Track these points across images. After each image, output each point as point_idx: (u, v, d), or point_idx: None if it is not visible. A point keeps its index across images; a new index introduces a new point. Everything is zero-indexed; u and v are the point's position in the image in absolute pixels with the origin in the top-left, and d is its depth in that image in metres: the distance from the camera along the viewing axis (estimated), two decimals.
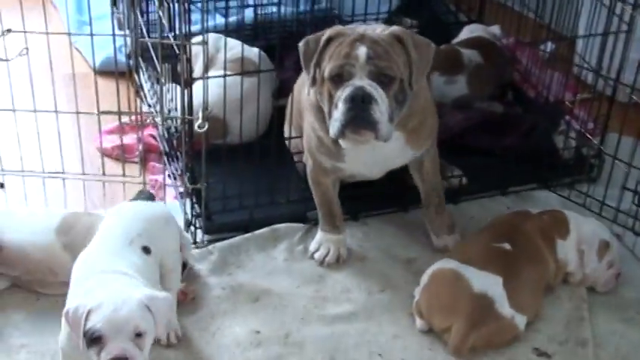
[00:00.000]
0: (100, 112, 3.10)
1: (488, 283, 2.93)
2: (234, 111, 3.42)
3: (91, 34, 3.01)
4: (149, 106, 3.81)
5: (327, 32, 2.90)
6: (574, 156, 3.69)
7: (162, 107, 3.19)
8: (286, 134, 3.51)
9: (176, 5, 3.04)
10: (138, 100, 3.93)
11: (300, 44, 2.94)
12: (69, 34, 3.04)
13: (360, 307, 3.11)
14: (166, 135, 3.57)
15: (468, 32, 4.34)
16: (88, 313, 2.39)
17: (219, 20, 4.33)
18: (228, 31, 4.15)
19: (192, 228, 3.31)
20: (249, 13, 4.35)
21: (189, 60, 3.10)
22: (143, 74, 3.94)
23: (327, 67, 2.86)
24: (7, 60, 2.96)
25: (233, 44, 3.78)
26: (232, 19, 4.36)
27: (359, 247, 3.36)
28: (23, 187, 3.35)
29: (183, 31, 3.00)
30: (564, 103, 3.81)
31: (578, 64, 3.64)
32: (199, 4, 4.21)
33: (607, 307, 3.16)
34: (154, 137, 3.75)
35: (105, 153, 3.66)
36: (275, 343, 2.94)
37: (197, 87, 3.16)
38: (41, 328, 2.89)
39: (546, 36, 3.88)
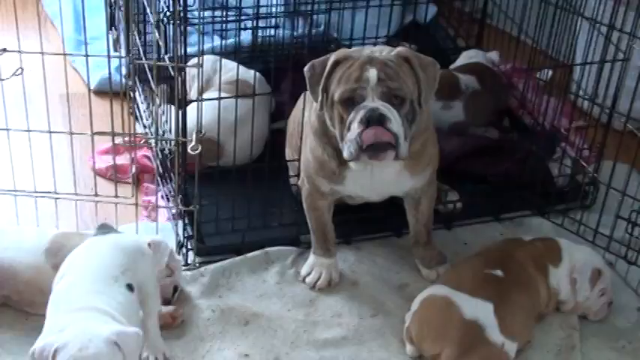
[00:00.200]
0: (94, 133, 3.10)
1: (479, 309, 2.92)
2: (230, 133, 3.43)
3: (86, 55, 3.02)
4: (145, 126, 3.82)
5: (334, 56, 2.90)
6: (569, 183, 3.68)
7: (156, 129, 3.19)
8: (287, 156, 3.51)
9: (171, 27, 3.04)
10: (134, 121, 3.95)
11: (306, 69, 2.94)
12: (64, 54, 3.04)
13: (351, 331, 3.10)
14: (160, 156, 3.57)
15: (466, 58, 4.34)
16: (55, 352, 2.33)
17: (218, 42, 4.33)
18: (226, 53, 4.17)
19: (183, 250, 3.30)
20: (247, 36, 4.35)
21: (184, 82, 3.11)
22: (139, 95, 3.95)
23: (338, 91, 2.86)
24: (1, 80, 2.96)
25: (230, 66, 3.80)
26: (230, 41, 4.37)
27: (351, 272, 3.35)
28: (15, 206, 3.34)
29: (179, 53, 2.99)
30: (560, 130, 3.80)
31: (574, 91, 3.64)
32: (201, 26, 4.29)
33: (598, 335, 3.15)
34: (148, 158, 3.75)
35: (99, 173, 3.67)
36: None
37: (192, 109, 3.17)
38: (28, 348, 2.85)
39: (543, 63, 3.87)
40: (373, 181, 3.07)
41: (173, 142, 3.15)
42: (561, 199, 3.65)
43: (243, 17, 4.33)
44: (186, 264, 3.29)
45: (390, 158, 2.86)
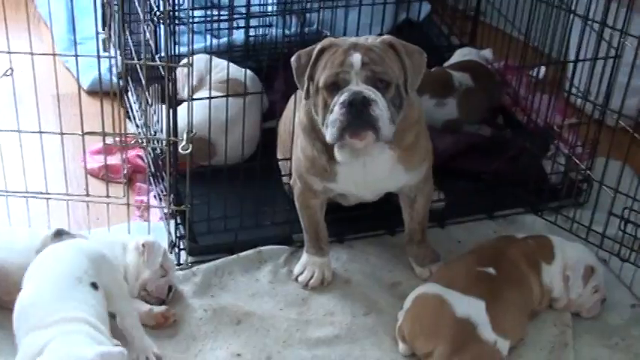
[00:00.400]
0: (85, 133, 3.09)
1: (471, 307, 2.92)
2: (222, 132, 3.42)
3: (76, 55, 3.01)
4: (137, 126, 3.81)
5: (319, 44, 2.91)
6: (562, 180, 3.68)
7: (147, 128, 3.18)
8: (278, 156, 3.51)
9: (162, 27, 3.03)
10: (127, 121, 3.95)
11: (293, 59, 2.95)
12: (53, 54, 3.04)
13: (344, 330, 3.09)
14: (152, 156, 3.56)
15: (459, 56, 4.34)
16: None
17: (212, 41, 4.32)
18: (219, 52, 4.16)
19: (176, 249, 3.30)
20: (240, 35, 4.35)
21: (174, 82, 3.11)
22: (132, 95, 3.95)
23: (322, 77, 2.85)
24: None
25: (223, 65, 3.79)
26: (223, 40, 4.36)
27: (344, 270, 3.34)
28: (6, 207, 3.34)
29: (169, 52, 2.99)
30: (553, 127, 3.80)
31: (567, 88, 3.63)
32: (194, 25, 4.29)
33: (591, 332, 3.15)
34: (141, 158, 3.75)
35: (92, 173, 3.67)
36: None
37: (183, 108, 3.16)
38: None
39: (536, 60, 3.87)
40: (366, 177, 3.06)
41: (164, 142, 3.15)
42: (555, 197, 3.64)
43: (235, 16, 4.32)
44: (179, 263, 3.29)
45: (371, 139, 2.84)
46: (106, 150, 3.53)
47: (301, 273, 3.28)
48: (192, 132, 3.05)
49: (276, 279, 3.29)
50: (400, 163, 3.05)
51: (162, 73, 3.05)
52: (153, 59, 3.18)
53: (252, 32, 4.28)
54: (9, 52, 2.94)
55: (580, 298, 3.16)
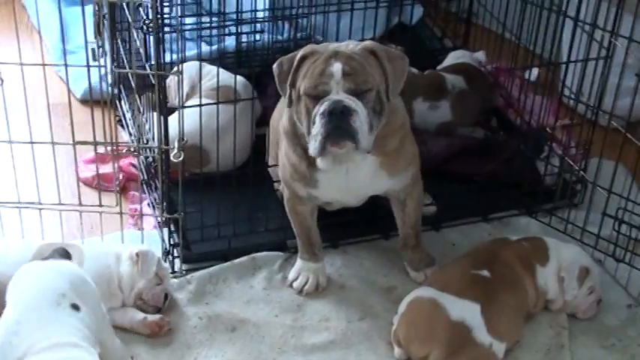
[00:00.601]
0: (76, 143, 3.09)
1: (465, 310, 2.91)
2: (215, 140, 3.42)
3: (65, 65, 3.01)
4: (131, 134, 3.81)
5: (301, 51, 2.90)
6: (556, 182, 3.67)
7: (139, 137, 3.18)
8: (268, 162, 3.50)
9: (151, 35, 3.03)
10: (119, 129, 3.95)
11: (275, 66, 2.95)
12: (43, 64, 3.04)
13: (339, 335, 3.09)
14: (145, 164, 3.56)
15: (453, 58, 4.34)
16: None
17: (203, 48, 4.32)
18: (211, 59, 4.16)
19: (170, 257, 3.29)
20: (232, 41, 4.35)
21: (164, 90, 3.10)
22: (125, 103, 3.95)
23: (303, 85, 2.85)
24: None
25: (215, 72, 3.79)
26: (216, 47, 4.36)
27: (338, 275, 3.34)
28: None
29: (159, 61, 2.99)
30: (546, 128, 3.79)
31: (560, 89, 3.63)
32: (186, 33, 4.29)
33: (588, 333, 3.14)
34: (134, 166, 3.75)
35: (85, 182, 3.67)
36: None
37: (175, 117, 3.16)
38: None
39: (528, 62, 3.86)
40: (348, 183, 3.05)
41: (156, 150, 3.14)
42: (549, 198, 3.64)
43: (228, 23, 4.32)
44: (173, 271, 3.29)
45: (350, 148, 2.84)
46: (100, 159, 3.54)
47: (296, 279, 3.27)
48: (183, 140, 3.04)
49: (270, 285, 3.28)
50: (383, 168, 3.04)
51: (153, 82, 3.05)
52: (144, 67, 3.18)
53: (244, 38, 4.28)
54: None
55: (575, 299, 3.15)
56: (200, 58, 4.02)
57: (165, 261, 3.26)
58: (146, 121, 3.47)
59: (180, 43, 3.35)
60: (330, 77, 2.81)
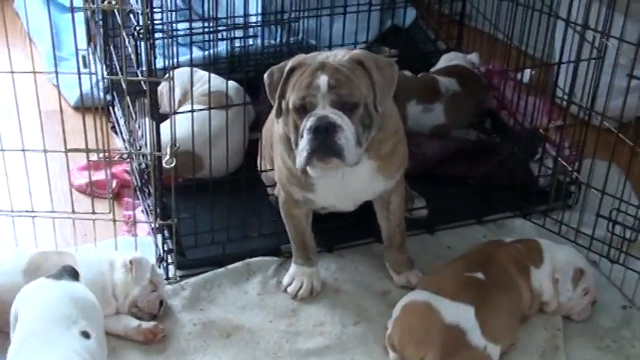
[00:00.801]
0: (68, 150, 3.09)
1: (460, 313, 2.91)
2: (208, 146, 3.42)
3: (56, 72, 3.01)
4: (124, 141, 3.81)
5: (290, 62, 2.90)
6: (550, 183, 3.66)
7: (131, 143, 3.18)
8: (260, 167, 3.50)
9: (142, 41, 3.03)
10: (113, 135, 3.96)
11: (265, 75, 2.95)
12: (33, 72, 3.03)
13: (334, 340, 3.09)
14: (138, 170, 3.56)
15: (446, 60, 4.34)
16: None
17: (197, 53, 4.32)
18: (204, 64, 4.16)
19: (164, 264, 3.29)
20: (225, 46, 4.34)
21: (156, 96, 3.10)
22: (118, 109, 3.95)
23: (291, 99, 2.86)
24: None
25: (207, 78, 3.78)
26: (208, 52, 4.36)
27: (333, 280, 3.34)
28: None
29: (150, 67, 2.98)
30: (539, 130, 3.79)
31: (553, 90, 3.63)
32: (178, 38, 4.29)
33: (582, 335, 3.14)
34: (128, 172, 3.75)
35: (79, 189, 3.67)
36: None
37: (168, 123, 3.16)
38: None
39: (520, 63, 3.85)
40: (345, 187, 3.05)
41: (149, 157, 3.14)
42: (543, 200, 3.64)
43: (220, 28, 4.32)
44: (167, 278, 3.28)
45: (337, 163, 2.85)
46: (93, 165, 3.53)
47: (290, 284, 3.27)
48: (175, 146, 3.04)
49: (265, 290, 3.28)
50: (379, 172, 3.04)
51: (145, 88, 3.05)
52: (135, 74, 3.17)
53: (236, 43, 4.27)
54: None
55: (570, 301, 3.15)
56: (196, 63, 4.02)
57: (159, 267, 3.26)
58: (139, 127, 3.47)
59: (171, 48, 3.35)
60: (317, 90, 2.81)
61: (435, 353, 2.85)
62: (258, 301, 3.24)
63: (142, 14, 2.87)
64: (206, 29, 4.27)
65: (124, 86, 3.39)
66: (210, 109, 3.31)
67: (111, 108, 4.03)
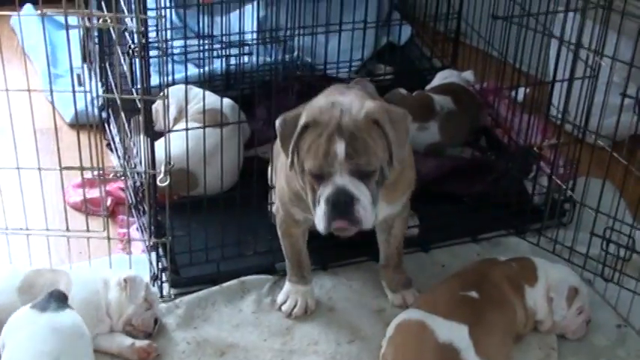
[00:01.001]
0: (62, 168, 3.09)
1: (453, 332, 2.90)
2: (203, 163, 3.42)
3: (51, 90, 3.01)
4: (119, 158, 3.82)
5: (303, 117, 2.80)
6: (545, 201, 3.67)
7: (126, 161, 3.18)
8: (270, 182, 3.48)
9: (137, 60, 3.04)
10: (108, 153, 3.96)
11: (278, 123, 2.86)
12: (28, 90, 3.04)
13: (328, 359, 3.08)
14: (133, 188, 3.56)
15: (441, 78, 4.35)
16: None
17: (193, 71, 4.33)
18: (200, 81, 4.17)
19: (158, 282, 3.29)
20: (220, 64, 4.36)
21: (150, 114, 3.11)
22: (114, 127, 3.95)
23: (307, 163, 2.79)
24: None
25: (202, 95, 3.79)
26: (203, 69, 4.37)
27: (328, 298, 3.33)
28: None
29: (144, 85, 2.99)
30: (533, 148, 3.80)
31: (547, 108, 3.64)
32: (174, 56, 4.30)
33: (577, 354, 3.14)
34: (123, 190, 3.74)
35: (74, 207, 3.66)
36: None
37: (163, 141, 3.16)
38: None
39: (514, 80, 3.86)
40: None
41: (143, 175, 3.14)
42: (538, 218, 3.64)
43: (216, 45, 4.33)
44: (162, 296, 3.28)
45: (354, 229, 2.85)
46: (89, 183, 3.53)
47: (284, 302, 3.26)
48: (170, 164, 3.04)
49: (259, 309, 3.28)
50: (383, 199, 2.99)
51: (140, 106, 3.05)
52: (131, 92, 3.18)
53: (232, 60, 4.28)
54: None
55: (564, 319, 3.15)
56: (191, 81, 4.02)
57: (153, 285, 3.25)
58: (134, 145, 3.47)
59: (166, 67, 3.36)
60: (334, 159, 2.75)
61: None
62: (252, 319, 3.23)
63: (136, 33, 2.88)
64: (201, 47, 4.28)
65: (118, 104, 3.41)
66: (204, 127, 3.32)
67: (107, 125, 4.04)
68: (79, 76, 2.92)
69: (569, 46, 3.36)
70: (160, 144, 3.16)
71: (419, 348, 2.90)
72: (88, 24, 2.88)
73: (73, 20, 2.94)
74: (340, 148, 2.74)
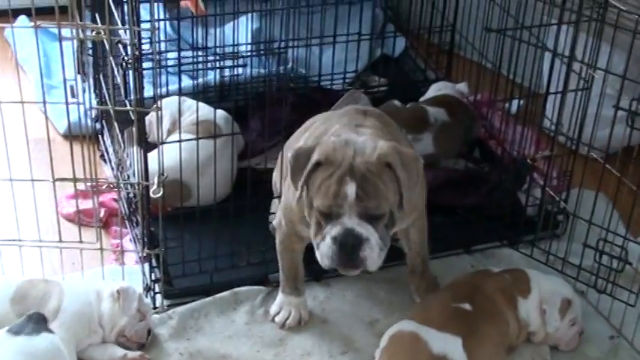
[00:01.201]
0: (55, 179, 3.08)
1: (447, 344, 2.90)
2: (198, 174, 3.43)
3: (44, 102, 3.01)
4: (113, 169, 3.82)
5: (316, 154, 2.79)
6: (538, 213, 3.67)
7: (119, 172, 3.18)
8: (275, 191, 3.49)
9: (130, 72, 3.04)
10: (102, 164, 3.96)
11: (290, 156, 2.85)
12: (21, 102, 3.03)
13: None
14: (126, 199, 3.56)
15: (434, 90, 4.36)
16: None
17: (187, 82, 4.34)
18: (194, 93, 4.18)
19: (151, 293, 3.28)
20: (215, 75, 4.36)
21: (144, 126, 3.11)
22: (107, 138, 3.95)
23: (316, 201, 2.78)
24: None
25: (196, 107, 3.79)
26: (198, 81, 4.38)
27: (321, 309, 3.33)
28: None
29: (137, 97, 2.99)
30: (527, 160, 3.80)
31: (540, 120, 3.64)
32: (169, 68, 4.31)
33: None
34: (117, 201, 3.74)
35: (68, 218, 3.66)
36: None
37: (156, 152, 3.16)
38: None
39: (508, 92, 3.87)
40: None
41: (136, 186, 3.14)
42: (531, 230, 3.64)
43: (210, 57, 4.34)
44: (155, 307, 3.27)
45: (359, 270, 2.85)
46: (82, 194, 3.53)
47: (278, 313, 3.26)
48: (163, 175, 3.04)
49: (252, 320, 3.27)
50: None
51: (133, 118, 3.05)
52: (124, 103, 3.18)
53: (226, 72, 4.29)
54: None
55: (557, 331, 3.15)
56: (185, 92, 4.03)
57: (146, 296, 3.25)
58: (127, 156, 3.47)
59: (160, 78, 3.36)
60: (344, 200, 2.73)
61: None
62: (245, 330, 3.23)
63: (130, 45, 2.88)
64: (195, 58, 4.29)
65: (112, 115, 3.42)
66: (198, 138, 3.32)
67: (100, 136, 4.04)
68: (72, 87, 2.90)
69: (563, 58, 3.37)
70: (153, 155, 3.16)
71: (412, 359, 2.90)
72: (81, 36, 2.87)
73: (66, 32, 2.94)
74: (351, 189, 2.73)
